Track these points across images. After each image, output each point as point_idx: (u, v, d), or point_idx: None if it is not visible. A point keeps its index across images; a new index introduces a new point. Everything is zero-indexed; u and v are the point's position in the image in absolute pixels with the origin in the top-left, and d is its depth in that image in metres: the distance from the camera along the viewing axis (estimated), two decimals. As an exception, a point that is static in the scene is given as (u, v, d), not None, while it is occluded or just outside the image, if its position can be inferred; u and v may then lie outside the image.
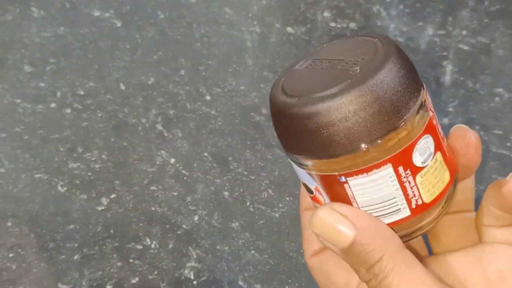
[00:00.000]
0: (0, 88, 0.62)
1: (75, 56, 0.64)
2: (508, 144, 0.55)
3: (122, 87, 0.62)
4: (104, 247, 0.52)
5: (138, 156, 0.57)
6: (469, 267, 0.31)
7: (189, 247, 0.51)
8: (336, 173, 0.26)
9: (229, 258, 0.51)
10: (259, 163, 0.56)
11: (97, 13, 0.68)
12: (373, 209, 0.27)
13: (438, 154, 0.27)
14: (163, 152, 0.57)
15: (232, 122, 0.58)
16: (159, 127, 0.58)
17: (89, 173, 0.56)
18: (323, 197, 0.28)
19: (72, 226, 0.53)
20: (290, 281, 0.50)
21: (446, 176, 0.28)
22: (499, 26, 0.64)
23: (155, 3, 0.68)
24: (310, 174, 0.27)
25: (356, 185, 0.26)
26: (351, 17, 0.65)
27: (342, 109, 0.25)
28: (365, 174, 0.26)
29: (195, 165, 0.56)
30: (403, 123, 0.25)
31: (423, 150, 0.26)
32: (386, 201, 0.27)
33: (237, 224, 0.53)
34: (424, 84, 0.28)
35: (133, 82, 0.62)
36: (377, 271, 0.26)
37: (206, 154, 0.57)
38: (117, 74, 0.63)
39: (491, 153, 0.55)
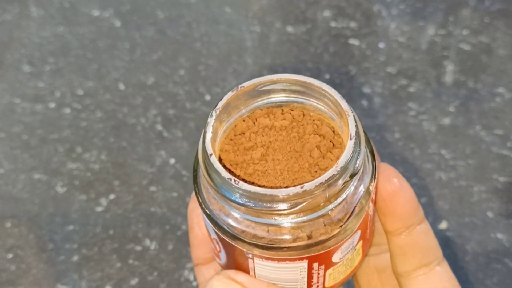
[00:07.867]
0: (-2, 88, 0.62)
1: (74, 56, 0.64)
2: (509, 144, 0.55)
3: (122, 87, 0.61)
4: (103, 248, 0.51)
5: (138, 156, 0.56)
6: None
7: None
8: (245, 250, 0.24)
9: (229, 259, 0.50)
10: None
11: (96, 13, 0.67)
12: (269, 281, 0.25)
13: (360, 243, 0.25)
14: (162, 152, 0.57)
15: (232, 122, 0.58)
16: (159, 127, 0.58)
17: (88, 174, 0.55)
18: (221, 251, 0.26)
19: (71, 227, 0.53)
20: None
21: (357, 260, 0.26)
22: (500, 26, 0.63)
23: (155, 3, 0.68)
24: (216, 233, 0.25)
25: (262, 264, 0.24)
26: (352, 16, 0.65)
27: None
28: (276, 262, 0.24)
29: (195, 166, 0.56)
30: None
31: (346, 247, 0.24)
32: (286, 282, 0.25)
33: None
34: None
35: (132, 82, 0.62)
36: None
37: (206, 154, 0.56)
38: (116, 74, 0.62)
39: (492, 154, 0.55)
